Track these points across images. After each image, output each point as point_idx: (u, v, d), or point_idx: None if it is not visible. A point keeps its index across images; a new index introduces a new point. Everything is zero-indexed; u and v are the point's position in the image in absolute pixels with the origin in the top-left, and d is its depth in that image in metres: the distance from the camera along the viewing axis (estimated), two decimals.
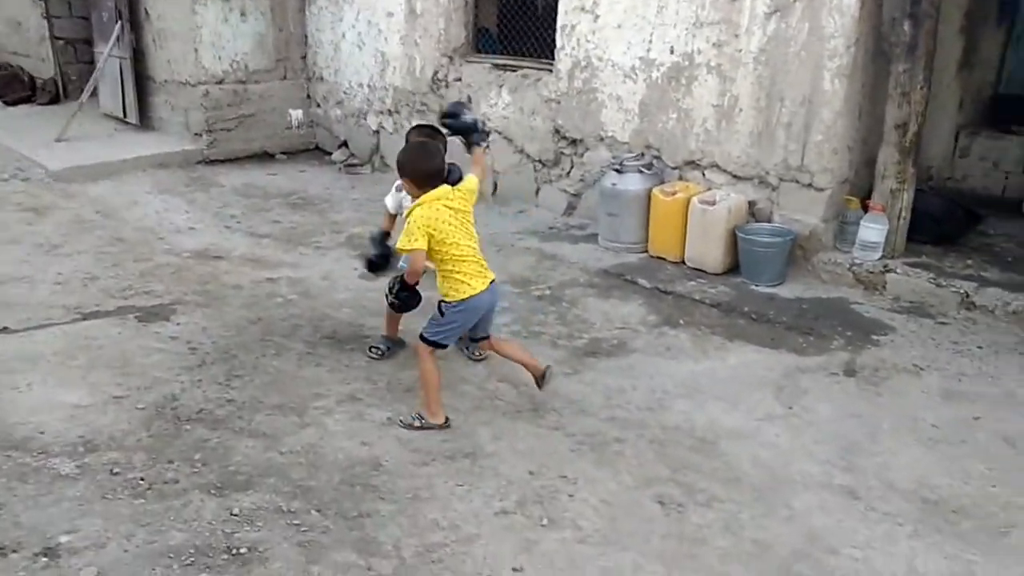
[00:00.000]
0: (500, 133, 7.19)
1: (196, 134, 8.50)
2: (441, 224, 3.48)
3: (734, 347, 4.48)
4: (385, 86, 8.24)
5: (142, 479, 3.26)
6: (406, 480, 3.29)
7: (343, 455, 3.46)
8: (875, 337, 4.53)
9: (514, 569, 2.81)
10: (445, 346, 3.75)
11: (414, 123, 7.32)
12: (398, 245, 3.55)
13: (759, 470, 3.37)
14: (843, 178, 5.40)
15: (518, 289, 5.26)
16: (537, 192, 7.03)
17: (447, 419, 3.69)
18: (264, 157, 8.77)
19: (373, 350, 4.37)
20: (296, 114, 9.01)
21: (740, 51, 5.55)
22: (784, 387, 4.04)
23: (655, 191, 5.74)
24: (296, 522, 3.03)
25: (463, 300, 3.60)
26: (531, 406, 3.87)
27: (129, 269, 5.48)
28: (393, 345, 4.40)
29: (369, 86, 8.42)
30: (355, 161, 8.59)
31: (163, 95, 8.94)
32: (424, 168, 3.54)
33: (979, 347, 4.38)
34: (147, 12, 8.74)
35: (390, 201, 4.38)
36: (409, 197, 3.75)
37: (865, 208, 5.30)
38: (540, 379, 3.84)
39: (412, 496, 3.19)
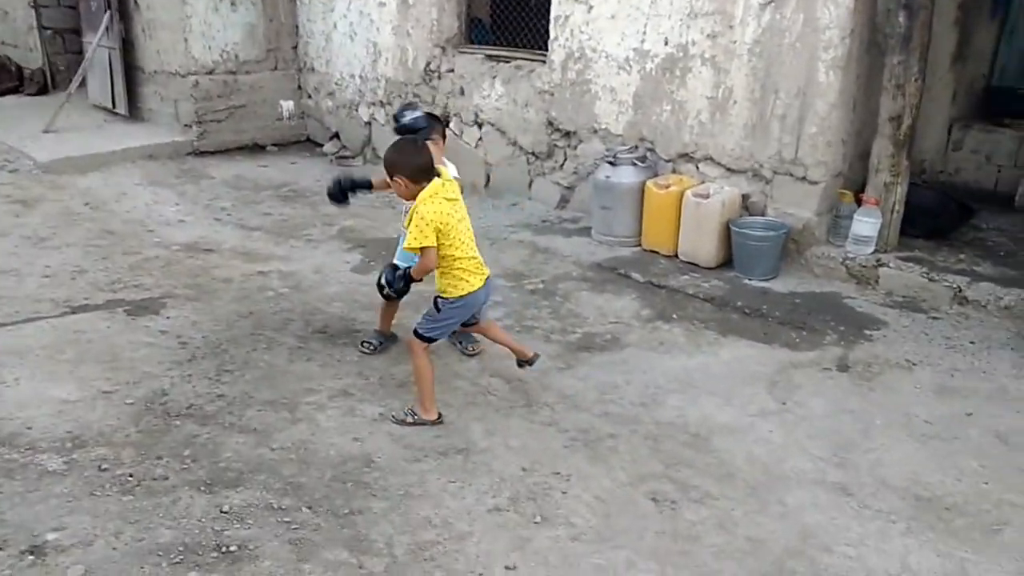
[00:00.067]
0: (493, 125, 7.16)
1: (186, 125, 8.44)
2: (447, 218, 3.45)
3: (727, 342, 4.47)
4: (377, 77, 8.18)
5: (131, 475, 3.23)
6: (398, 477, 3.27)
7: (335, 451, 3.44)
8: (868, 332, 4.52)
9: (507, 567, 2.79)
10: (435, 340, 3.72)
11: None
12: (407, 244, 3.45)
13: (752, 466, 3.36)
14: (837, 171, 5.38)
15: (511, 283, 5.23)
16: (530, 185, 7.00)
17: (440, 415, 3.67)
18: (255, 149, 8.72)
19: (365, 344, 4.34)
20: (287, 105, 8.95)
21: (735, 42, 5.51)
22: (777, 382, 4.03)
23: (649, 184, 5.71)
24: (287, 519, 3.01)
25: (461, 297, 3.58)
26: (524, 401, 3.85)
27: (118, 262, 5.44)
28: (385, 340, 4.38)
29: (361, 77, 8.36)
30: (347, 153, 8.54)
31: (153, 86, 8.87)
32: (419, 163, 3.47)
33: (971, 342, 4.38)
34: (136, 2, 8.66)
35: None
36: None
37: (859, 202, 5.29)
38: (525, 362, 3.94)
39: (404, 493, 3.17)
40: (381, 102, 8.19)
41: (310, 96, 9.02)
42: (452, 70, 7.44)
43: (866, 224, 5.15)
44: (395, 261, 4.06)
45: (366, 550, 2.87)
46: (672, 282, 5.24)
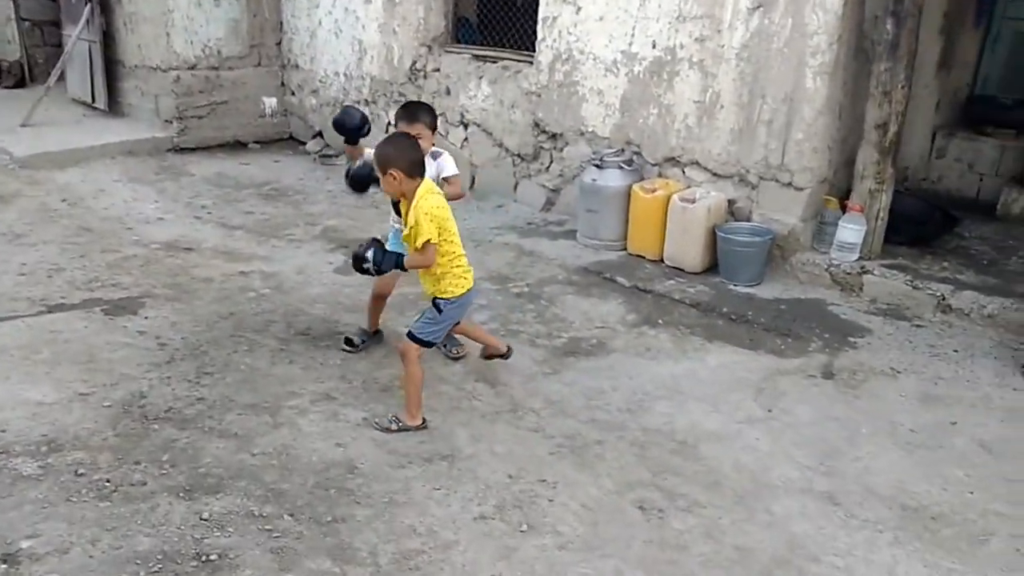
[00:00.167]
0: (479, 126, 7.12)
1: (167, 121, 8.33)
2: (446, 213, 3.43)
3: (713, 348, 4.45)
4: (362, 75, 8.11)
5: (108, 481, 3.16)
6: (382, 484, 3.23)
7: (317, 457, 3.38)
8: (852, 339, 4.52)
9: None
10: (433, 345, 3.68)
11: (392, 113, 7.26)
12: (419, 241, 3.36)
13: (740, 474, 3.34)
14: (822, 178, 5.39)
15: (496, 286, 5.19)
16: (515, 187, 6.96)
17: (424, 420, 3.62)
18: (236, 146, 8.62)
19: (348, 343, 4.28)
20: (270, 102, 8.85)
21: (723, 46, 5.50)
22: (763, 389, 4.02)
23: (635, 188, 5.70)
24: (268, 527, 2.95)
25: (460, 296, 3.56)
26: (510, 407, 3.81)
27: (96, 260, 5.34)
28: (369, 339, 4.33)
29: (346, 75, 8.29)
30: (330, 152, 8.46)
31: (133, 80, 8.75)
32: (415, 157, 3.41)
33: (955, 350, 4.39)
34: None
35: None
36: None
37: (843, 208, 5.29)
38: (497, 355, 3.98)
39: (388, 500, 3.13)
40: (366, 100, 8.12)
41: (293, 93, 8.94)
42: (438, 69, 7.39)
43: (851, 231, 5.16)
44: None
45: (350, 559, 2.82)
46: (658, 287, 5.22)
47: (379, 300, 4.32)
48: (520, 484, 3.25)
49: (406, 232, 3.46)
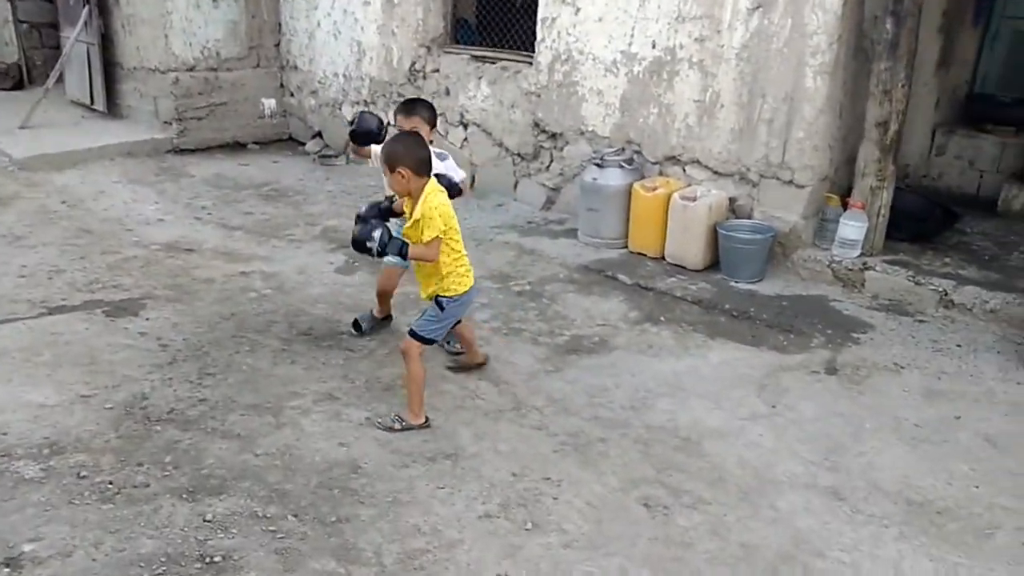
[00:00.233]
0: (479, 126, 7.11)
1: (166, 122, 8.32)
2: (449, 211, 3.44)
3: (716, 345, 4.45)
4: (361, 76, 8.10)
5: (110, 483, 3.15)
6: (386, 483, 3.21)
7: (320, 457, 3.37)
8: (855, 335, 4.52)
9: (498, 575, 2.75)
10: (434, 342, 3.67)
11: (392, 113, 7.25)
12: (428, 236, 3.35)
13: (744, 471, 3.33)
14: (823, 175, 5.38)
15: (498, 284, 5.18)
16: (516, 186, 6.95)
17: (427, 419, 3.62)
18: (236, 147, 8.60)
19: (355, 326, 4.40)
20: (269, 103, 8.84)
21: (722, 46, 5.50)
22: (766, 385, 4.01)
23: (636, 186, 5.69)
24: (272, 528, 2.94)
25: (463, 294, 3.56)
26: (513, 405, 3.81)
27: (96, 262, 5.33)
28: (377, 324, 4.42)
29: (344, 76, 8.28)
30: (329, 152, 8.45)
31: (132, 82, 8.74)
32: (423, 155, 3.42)
33: (958, 345, 4.38)
34: None
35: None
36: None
37: (845, 206, 5.29)
38: (474, 365, 4.05)
39: (392, 500, 3.11)
40: (365, 101, 8.11)
41: (292, 94, 8.93)
42: (437, 70, 7.38)
43: (852, 228, 5.16)
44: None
45: (354, 559, 2.81)
46: (659, 284, 5.21)
47: (384, 295, 4.40)
48: (524, 482, 3.24)
49: (408, 227, 3.47)
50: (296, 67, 8.78)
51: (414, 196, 3.42)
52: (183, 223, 6.22)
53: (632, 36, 5.95)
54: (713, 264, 5.43)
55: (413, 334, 3.57)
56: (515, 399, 3.86)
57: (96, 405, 3.68)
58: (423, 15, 7.39)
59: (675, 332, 4.59)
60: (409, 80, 7.61)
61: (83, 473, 3.20)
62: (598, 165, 5.85)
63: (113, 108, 8.90)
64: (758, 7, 5.28)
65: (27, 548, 2.79)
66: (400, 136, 3.57)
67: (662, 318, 4.76)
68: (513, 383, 3.99)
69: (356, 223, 3.53)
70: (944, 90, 6.64)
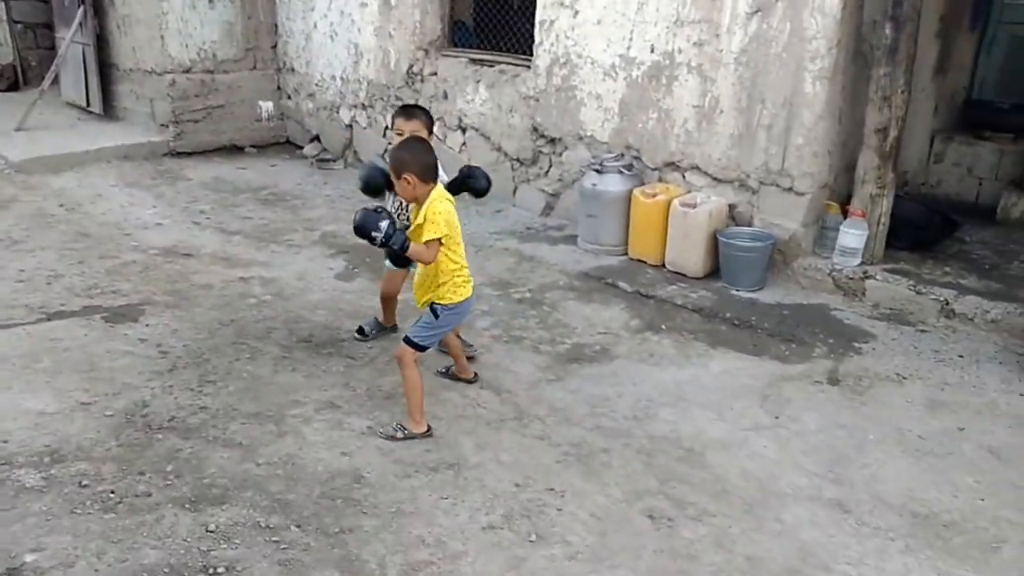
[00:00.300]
0: (477, 130, 7.10)
1: (162, 125, 8.28)
2: (454, 219, 3.44)
3: (717, 354, 4.44)
4: (359, 79, 8.08)
5: (112, 492, 3.13)
6: (389, 493, 3.20)
7: (322, 466, 3.36)
8: (857, 345, 4.52)
9: None
10: (427, 349, 3.66)
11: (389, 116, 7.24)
12: (427, 236, 3.35)
13: (748, 482, 3.32)
14: (823, 182, 5.38)
15: (498, 291, 5.17)
16: (514, 191, 6.94)
17: (429, 428, 3.60)
18: (233, 150, 8.57)
19: (360, 331, 4.44)
20: (266, 106, 8.81)
21: (721, 51, 5.50)
22: (769, 396, 4.00)
23: (635, 192, 5.68)
24: (275, 539, 2.93)
25: (459, 303, 3.55)
26: (515, 414, 3.79)
27: (95, 267, 5.30)
28: (381, 331, 4.46)
29: (342, 78, 8.26)
30: (327, 156, 8.43)
31: (128, 84, 8.70)
32: (429, 161, 3.42)
33: (960, 356, 4.39)
34: None
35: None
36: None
37: (844, 213, 5.29)
38: (463, 379, 4.04)
39: (395, 510, 3.10)
40: (363, 104, 8.09)
41: (290, 97, 8.90)
42: (435, 73, 7.36)
43: (852, 236, 5.16)
44: (387, 261, 4.22)
45: (358, 571, 2.79)
46: (660, 292, 5.21)
47: (388, 300, 4.41)
48: (527, 493, 3.23)
49: (411, 231, 3.47)
50: (293, 69, 8.75)
51: (420, 202, 3.43)
52: (181, 227, 6.19)
53: (631, 40, 5.94)
54: (713, 271, 5.42)
55: (407, 340, 3.58)
56: (517, 408, 3.84)
57: (97, 413, 3.66)
58: (420, 17, 7.37)
59: (676, 341, 4.58)
60: (407, 83, 7.59)
61: (85, 482, 3.17)
62: (597, 171, 5.84)
63: (109, 110, 8.86)
64: (757, 11, 5.28)
65: (29, 558, 2.77)
66: (406, 142, 3.58)
67: (663, 326, 4.75)
68: (515, 392, 3.98)
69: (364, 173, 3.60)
70: (942, 96, 6.66)
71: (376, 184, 3.78)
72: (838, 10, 4.97)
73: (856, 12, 5.12)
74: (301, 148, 8.72)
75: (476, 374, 4.08)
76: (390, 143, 4.12)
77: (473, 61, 7.16)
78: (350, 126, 8.31)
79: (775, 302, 5.08)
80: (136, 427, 3.56)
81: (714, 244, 5.37)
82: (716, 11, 5.47)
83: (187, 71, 8.21)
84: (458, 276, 3.53)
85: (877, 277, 5.06)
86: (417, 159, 3.38)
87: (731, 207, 5.60)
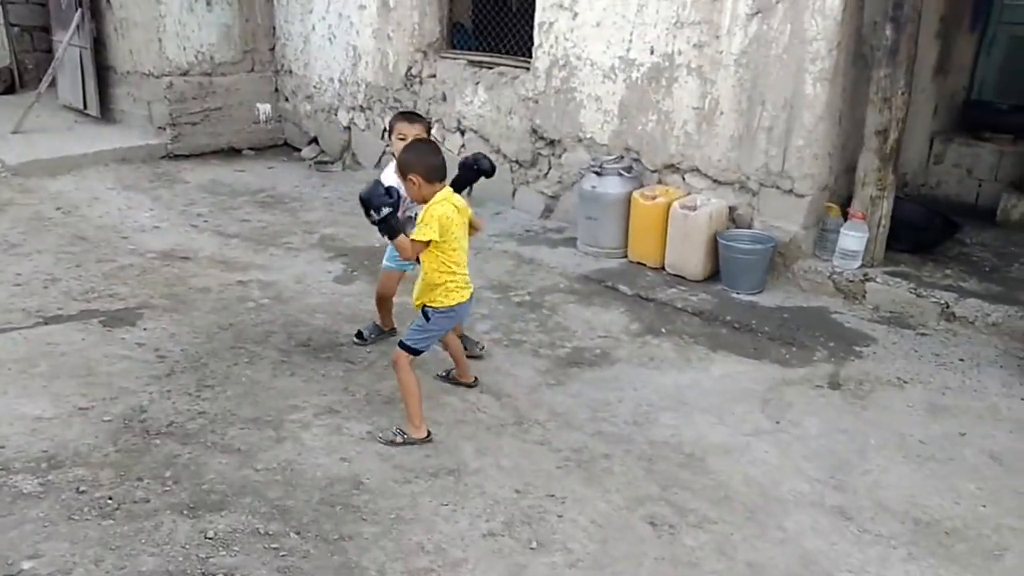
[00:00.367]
0: (476, 132, 7.08)
1: (160, 128, 8.26)
2: (450, 225, 3.42)
3: (718, 357, 4.42)
4: (357, 81, 8.06)
5: (110, 498, 3.11)
6: (388, 499, 3.18)
7: (322, 472, 3.34)
8: (857, 348, 4.50)
9: None
10: (421, 352, 3.64)
11: (387, 120, 7.23)
12: (415, 235, 3.40)
13: (750, 488, 3.30)
14: (823, 184, 5.37)
15: (497, 295, 5.15)
16: (513, 193, 6.92)
17: (429, 433, 3.58)
18: (231, 153, 8.55)
19: (359, 336, 4.42)
20: (264, 108, 8.79)
21: (721, 52, 5.48)
22: (770, 400, 3.98)
23: (635, 195, 5.67)
24: (274, 546, 2.91)
25: (450, 307, 3.54)
26: (515, 419, 3.77)
27: (92, 270, 5.28)
28: (380, 334, 4.45)
29: (340, 81, 8.24)
30: (325, 158, 8.41)
31: (125, 87, 8.68)
32: (434, 163, 3.44)
33: (961, 359, 4.37)
34: (108, 0, 8.45)
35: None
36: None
37: (845, 215, 5.28)
38: (463, 383, 4.02)
39: (395, 517, 3.08)
40: (361, 107, 8.07)
41: (288, 99, 8.88)
42: (434, 75, 7.35)
43: (853, 238, 5.14)
44: (384, 261, 4.26)
45: None
46: (660, 295, 5.19)
47: (384, 301, 4.39)
48: (528, 499, 3.21)
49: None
50: (291, 72, 8.73)
51: (427, 202, 3.46)
52: (179, 230, 6.17)
53: (630, 42, 5.93)
54: (713, 274, 5.41)
55: (400, 344, 3.59)
56: (517, 413, 3.82)
57: (94, 418, 3.64)
58: (419, 19, 7.35)
59: (676, 344, 4.56)
60: (405, 85, 7.58)
61: (82, 488, 3.15)
62: (597, 173, 5.83)
63: (106, 113, 8.84)
64: (757, 12, 5.27)
65: (26, 565, 2.75)
66: (413, 144, 3.62)
67: (663, 330, 4.74)
68: (515, 396, 3.96)
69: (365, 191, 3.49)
70: (942, 97, 6.65)
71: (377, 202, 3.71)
72: (838, 11, 4.95)
73: (856, 13, 5.10)
74: (299, 150, 8.70)
75: (476, 378, 4.05)
76: (388, 147, 4.12)
77: (472, 63, 7.14)
78: (348, 128, 8.29)
79: (775, 305, 5.06)
80: (134, 432, 3.54)
81: (714, 247, 5.35)
82: (716, 13, 5.46)
83: (184, 74, 8.19)
84: (451, 282, 3.51)
85: (877, 280, 5.04)
86: (422, 160, 3.42)
87: (731, 209, 5.58)
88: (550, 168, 6.64)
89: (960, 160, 6.53)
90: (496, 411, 3.84)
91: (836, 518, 3.14)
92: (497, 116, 6.89)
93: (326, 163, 8.30)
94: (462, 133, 7.18)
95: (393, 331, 4.48)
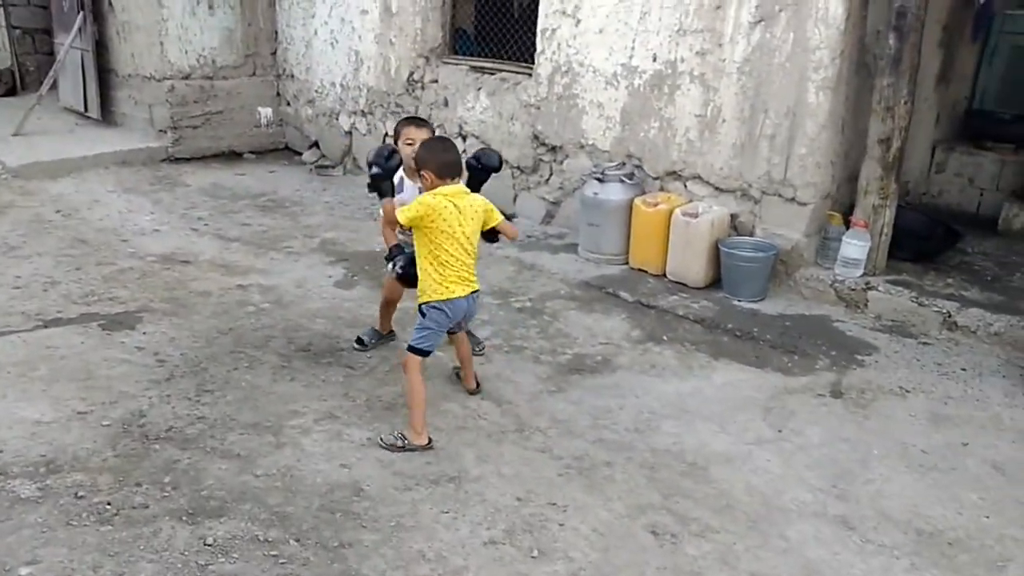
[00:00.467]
0: (477, 137, 7.07)
1: (161, 131, 8.25)
2: (435, 215, 3.42)
3: (720, 365, 4.41)
4: (359, 86, 8.06)
5: (109, 504, 3.09)
6: (389, 506, 3.16)
7: (322, 479, 3.32)
8: (859, 357, 4.49)
9: None
10: (429, 353, 3.63)
11: (388, 124, 7.24)
12: (400, 213, 3.49)
13: (752, 497, 3.29)
14: (826, 193, 5.36)
15: (498, 300, 5.14)
16: (515, 199, 6.91)
17: (430, 439, 3.57)
18: (232, 156, 8.54)
19: (359, 342, 4.40)
20: (265, 112, 8.79)
21: (724, 60, 5.48)
22: (772, 408, 3.97)
23: (637, 202, 5.66)
24: (274, 553, 2.89)
25: (443, 300, 3.53)
26: (516, 426, 3.76)
27: (92, 273, 5.27)
28: (380, 339, 4.43)
29: (342, 85, 8.23)
30: (326, 162, 8.40)
31: (126, 90, 8.67)
32: (446, 159, 3.50)
33: (963, 369, 4.36)
34: (111, 3, 8.48)
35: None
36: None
37: (847, 224, 5.27)
38: (465, 386, 4.05)
39: (396, 524, 3.06)
40: (362, 111, 8.07)
41: (289, 104, 8.87)
42: (436, 80, 7.34)
43: (855, 247, 5.14)
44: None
45: None
46: (661, 302, 5.18)
47: (389, 305, 4.40)
48: (529, 507, 3.19)
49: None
50: (293, 76, 8.73)
51: None
52: (179, 234, 6.16)
53: (633, 49, 5.92)
54: (715, 282, 5.40)
55: (408, 347, 3.61)
56: (518, 420, 3.81)
57: (93, 422, 3.62)
58: (421, 25, 7.35)
59: (678, 352, 4.55)
60: (407, 90, 7.57)
61: (81, 493, 3.13)
62: (599, 179, 5.82)
63: (107, 116, 8.83)
64: (760, 21, 5.27)
65: (24, 571, 2.73)
66: (430, 140, 3.74)
67: (665, 337, 4.72)
68: (516, 403, 3.95)
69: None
70: (944, 106, 6.65)
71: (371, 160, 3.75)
72: (842, 20, 4.95)
73: (860, 22, 5.10)
74: (300, 154, 8.69)
75: (479, 385, 4.04)
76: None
77: (474, 69, 7.14)
78: (349, 133, 8.29)
79: (777, 313, 5.05)
80: (133, 437, 3.52)
81: (716, 254, 5.34)
82: (719, 21, 5.46)
83: (186, 77, 8.18)
84: (439, 276, 3.51)
85: (879, 288, 5.04)
86: (435, 156, 3.51)
87: (733, 217, 5.57)
88: (551, 174, 6.63)
89: (962, 169, 6.53)
90: (497, 418, 3.83)
91: (839, 528, 3.12)
92: (499, 122, 6.88)
93: (327, 167, 8.30)
94: (464, 139, 7.16)
95: (392, 334, 4.47)
